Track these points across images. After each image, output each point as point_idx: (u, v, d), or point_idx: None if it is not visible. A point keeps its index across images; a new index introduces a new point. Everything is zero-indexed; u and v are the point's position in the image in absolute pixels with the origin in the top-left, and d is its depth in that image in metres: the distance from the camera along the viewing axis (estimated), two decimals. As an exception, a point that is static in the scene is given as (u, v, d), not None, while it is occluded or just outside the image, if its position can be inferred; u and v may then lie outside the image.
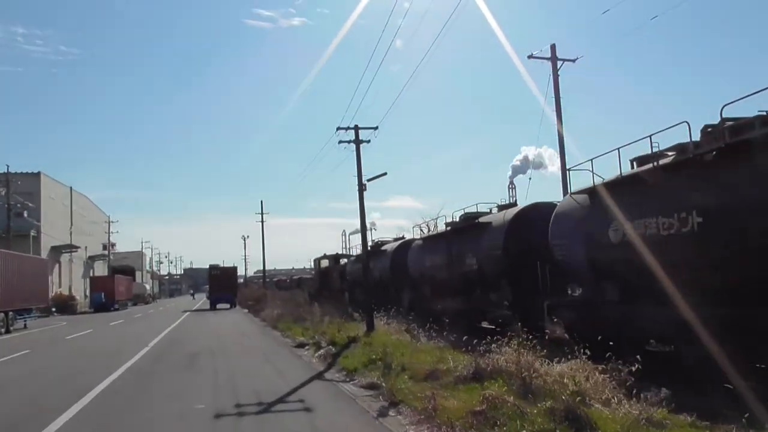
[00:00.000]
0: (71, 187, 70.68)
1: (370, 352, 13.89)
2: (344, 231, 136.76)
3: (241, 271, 69.31)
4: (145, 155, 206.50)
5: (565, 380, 8.54)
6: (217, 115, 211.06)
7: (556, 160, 67.02)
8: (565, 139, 21.25)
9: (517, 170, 63.14)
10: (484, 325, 18.59)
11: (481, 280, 17.14)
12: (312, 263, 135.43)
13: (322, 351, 14.90)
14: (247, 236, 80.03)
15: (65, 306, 57.18)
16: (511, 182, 59.07)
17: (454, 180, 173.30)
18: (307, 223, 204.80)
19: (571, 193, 12.45)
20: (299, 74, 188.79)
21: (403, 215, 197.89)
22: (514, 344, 9.83)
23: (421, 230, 35.21)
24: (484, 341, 10.62)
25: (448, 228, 20.20)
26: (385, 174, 19.60)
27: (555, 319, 11.88)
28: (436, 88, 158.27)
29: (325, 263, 40.67)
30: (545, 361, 9.46)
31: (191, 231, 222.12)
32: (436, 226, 29.33)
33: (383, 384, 10.21)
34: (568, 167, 11.97)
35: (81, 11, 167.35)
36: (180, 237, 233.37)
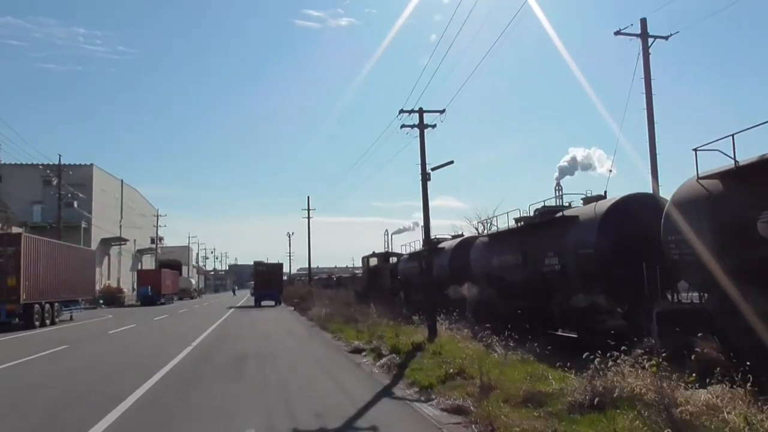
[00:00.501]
0: (122, 180, 71.20)
1: (443, 363, 11.91)
2: (387, 230, 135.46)
3: (285, 269, 68.24)
4: (195, 153, 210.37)
5: (727, 415, 6.43)
6: (267, 115, 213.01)
7: (605, 162, 65.29)
8: (651, 127, 18.76)
9: (565, 171, 62.05)
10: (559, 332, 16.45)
11: (563, 283, 14.91)
12: (354, 262, 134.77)
13: (384, 360, 12.96)
14: (292, 233, 79.29)
15: (113, 298, 57.29)
16: (558, 183, 58.09)
17: (497, 181, 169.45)
18: (349, 222, 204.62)
19: (698, 178, 10.13)
20: (347, 74, 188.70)
21: (447, 216, 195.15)
22: (635, 361, 7.80)
23: (477, 229, 33.03)
24: (581, 355, 8.55)
25: (520, 224, 18.03)
26: (452, 162, 17.61)
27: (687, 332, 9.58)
28: (479, 87, 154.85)
29: (374, 262, 38.86)
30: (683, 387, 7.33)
31: (237, 228, 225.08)
32: (490, 223, 27.11)
33: (472, 407, 8.22)
34: (695, 147, 9.62)
35: (139, 13, 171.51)
36: (225, 234, 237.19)
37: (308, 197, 54.85)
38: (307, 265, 65.05)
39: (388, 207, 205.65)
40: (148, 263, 77.39)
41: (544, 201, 17.53)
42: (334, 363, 13.86)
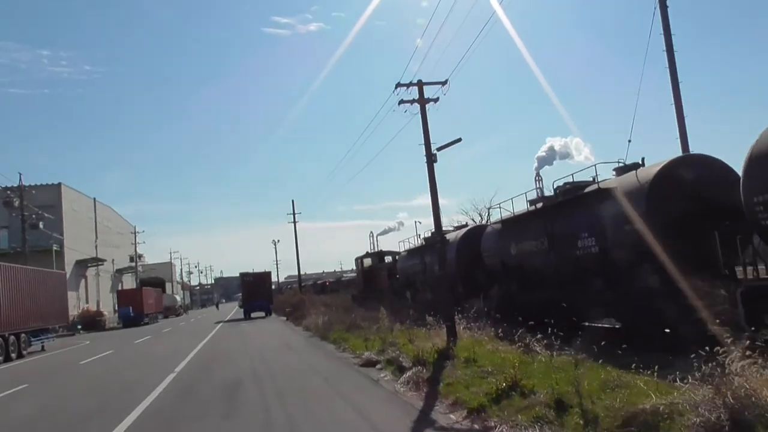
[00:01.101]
0: (95, 198, 67.99)
1: (484, 374, 9.73)
2: (371, 232, 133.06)
3: (273, 278, 65.53)
4: (169, 167, 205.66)
5: None
6: (238, 125, 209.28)
7: (583, 149, 64.52)
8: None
9: (543, 161, 62.10)
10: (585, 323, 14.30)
11: (604, 266, 12.79)
12: (342, 266, 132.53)
13: (408, 374, 10.65)
14: (278, 240, 76.64)
15: (92, 322, 54.17)
16: (538, 174, 57.56)
17: (477, 176, 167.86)
18: (332, 227, 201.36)
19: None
20: (320, 79, 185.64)
21: (430, 214, 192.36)
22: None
23: (473, 220, 30.86)
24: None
25: (537, 206, 15.92)
26: (460, 140, 15.40)
27: None
28: (453, 86, 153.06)
29: (368, 262, 36.57)
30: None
31: (220, 241, 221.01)
32: (489, 213, 25.13)
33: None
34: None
35: (104, 31, 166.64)
36: (209, 247, 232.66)
37: (293, 201, 52.39)
38: (294, 273, 62.77)
39: (370, 209, 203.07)
40: (130, 283, 74.11)
41: (570, 176, 15.43)
42: (348, 381, 11.55)
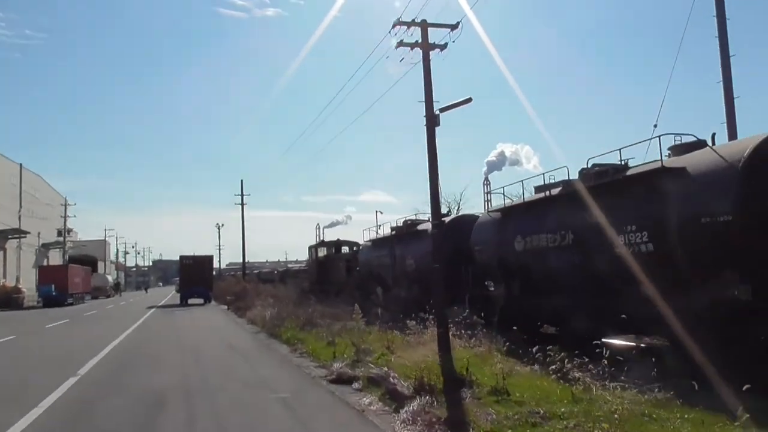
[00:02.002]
0: (21, 164, 61.00)
1: (532, 416, 6.42)
2: (318, 224, 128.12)
3: (215, 263, 60.53)
4: (114, 145, 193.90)
5: None
6: (192, 106, 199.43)
7: (532, 158, 63.26)
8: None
9: (492, 166, 61.28)
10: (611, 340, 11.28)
11: (658, 269, 9.72)
12: (287, 256, 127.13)
13: (412, 408, 7.18)
14: (222, 224, 71.88)
15: (8, 299, 48.01)
16: (486, 179, 56.45)
17: (425, 175, 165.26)
18: (279, 216, 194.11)
19: None
20: (275, 65, 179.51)
21: (376, 209, 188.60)
22: None
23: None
24: None
25: (546, 193, 12.79)
26: (470, 100, 12.03)
27: None
28: (410, 85, 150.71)
29: (323, 252, 32.83)
30: None
31: (162, 223, 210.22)
32: (459, 209, 22.12)
33: None
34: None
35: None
36: (149, 229, 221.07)
37: (241, 181, 48.15)
38: (236, 260, 58.06)
39: (318, 201, 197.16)
40: (57, 260, 67.22)
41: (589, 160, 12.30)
42: (320, 411, 7.95)
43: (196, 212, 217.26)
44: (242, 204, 47.53)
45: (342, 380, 9.72)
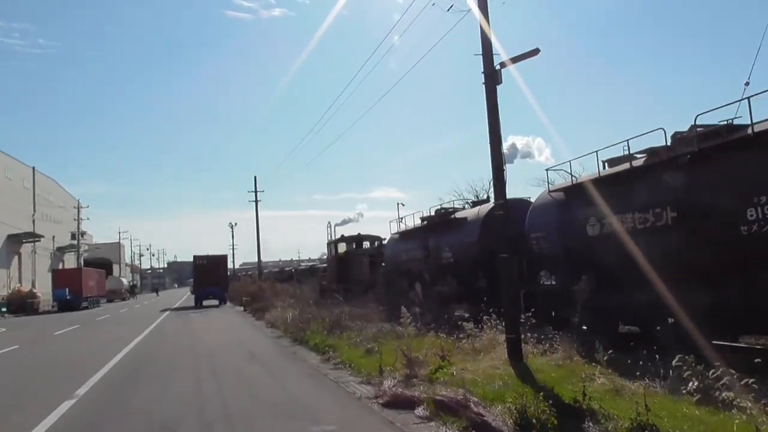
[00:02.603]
0: (34, 168, 59.56)
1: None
2: (329, 222, 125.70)
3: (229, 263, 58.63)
4: (127, 151, 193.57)
5: None
6: (197, 108, 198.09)
7: (545, 151, 61.06)
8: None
9: (504, 159, 60.67)
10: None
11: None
12: (300, 255, 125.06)
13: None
14: (235, 223, 70.23)
15: (23, 305, 46.43)
16: None
17: (437, 171, 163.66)
18: (290, 215, 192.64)
19: None
20: (282, 65, 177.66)
21: (390, 206, 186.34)
22: None
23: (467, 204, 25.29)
24: None
25: (637, 162, 10.51)
26: (537, 51, 9.79)
27: None
28: (418, 80, 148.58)
29: (342, 248, 30.67)
30: None
31: (176, 225, 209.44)
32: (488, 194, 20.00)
33: None
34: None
35: (61, 4, 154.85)
36: (164, 231, 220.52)
37: (255, 177, 46.07)
38: (249, 260, 55.94)
39: (329, 199, 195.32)
40: (72, 263, 65.75)
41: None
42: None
43: (209, 214, 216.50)
44: (256, 201, 45.74)
45: (399, 404, 7.55)
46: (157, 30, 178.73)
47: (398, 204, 43.72)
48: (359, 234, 30.46)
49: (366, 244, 30.24)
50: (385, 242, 29.97)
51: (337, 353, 12.34)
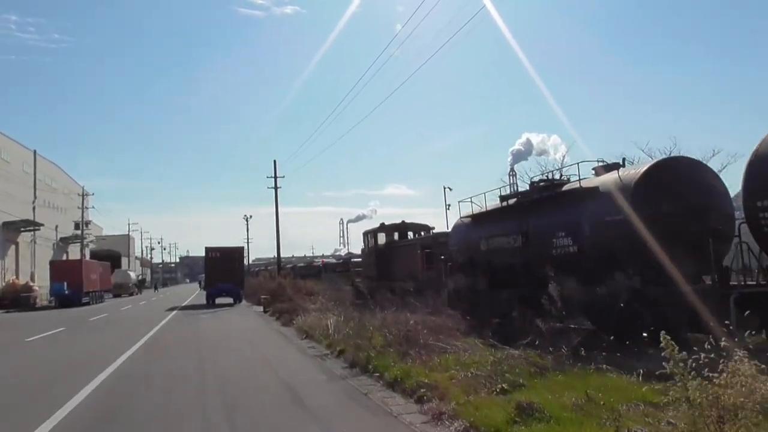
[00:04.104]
0: (35, 151, 54.69)
1: None
2: (341, 219, 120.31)
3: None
4: (139, 143, 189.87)
5: None
6: (210, 104, 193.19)
7: (560, 148, 57.10)
8: None
9: (518, 156, 57.79)
10: None
11: None
12: (313, 251, 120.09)
13: None
14: (250, 216, 65.34)
15: (18, 299, 41.59)
16: (512, 169, 50.97)
17: (448, 168, 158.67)
18: (301, 212, 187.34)
19: None
20: (295, 62, 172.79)
21: (400, 204, 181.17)
22: None
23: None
24: None
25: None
26: None
27: None
28: (431, 76, 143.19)
29: (383, 238, 25.25)
30: None
31: (187, 221, 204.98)
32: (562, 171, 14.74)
33: None
34: None
35: (73, 0, 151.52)
36: (176, 226, 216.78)
37: (274, 161, 40.89)
38: (261, 257, 50.62)
39: (339, 196, 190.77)
40: (77, 255, 60.90)
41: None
42: None
43: (222, 210, 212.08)
44: (276, 188, 40.53)
45: None
46: (170, 26, 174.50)
47: (445, 188, 38.75)
48: (403, 222, 25.03)
49: (410, 235, 24.92)
50: (434, 232, 24.58)
51: (446, 398, 6.96)
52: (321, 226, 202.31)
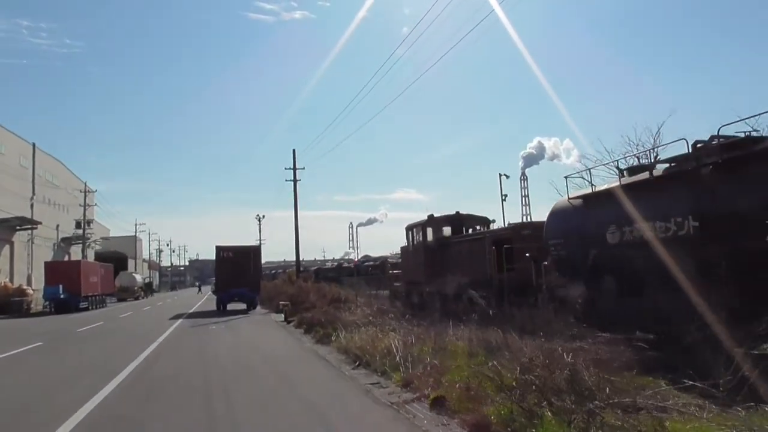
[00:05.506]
0: (34, 144, 50.42)
1: None
2: (351, 223, 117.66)
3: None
4: (150, 149, 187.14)
5: None
6: (219, 109, 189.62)
7: (573, 152, 54.31)
8: None
9: (530, 160, 54.64)
10: None
11: None
12: (324, 254, 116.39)
13: None
14: (263, 216, 61.12)
15: (8, 303, 37.13)
16: (523, 173, 48.82)
17: (456, 173, 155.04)
18: (311, 216, 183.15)
19: None
20: (303, 68, 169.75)
21: (410, 208, 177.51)
22: None
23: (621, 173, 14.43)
24: None
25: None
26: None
27: None
28: (440, 81, 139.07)
29: (431, 233, 20.45)
30: None
31: (197, 224, 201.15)
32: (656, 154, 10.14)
33: None
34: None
35: (86, 4, 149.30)
36: (185, 231, 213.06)
37: (293, 150, 36.39)
38: (272, 260, 45.44)
39: (348, 201, 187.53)
40: (80, 256, 56.49)
41: None
42: None
43: (233, 212, 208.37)
44: (294, 180, 36.00)
45: None
46: (180, 30, 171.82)
47: (500, 175, 35.91)
48: (458, 213, 20.21)
49: (469, 229, 20.19)
50: (494, 226, 19.85)
51: None
52: (330, 231, 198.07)
